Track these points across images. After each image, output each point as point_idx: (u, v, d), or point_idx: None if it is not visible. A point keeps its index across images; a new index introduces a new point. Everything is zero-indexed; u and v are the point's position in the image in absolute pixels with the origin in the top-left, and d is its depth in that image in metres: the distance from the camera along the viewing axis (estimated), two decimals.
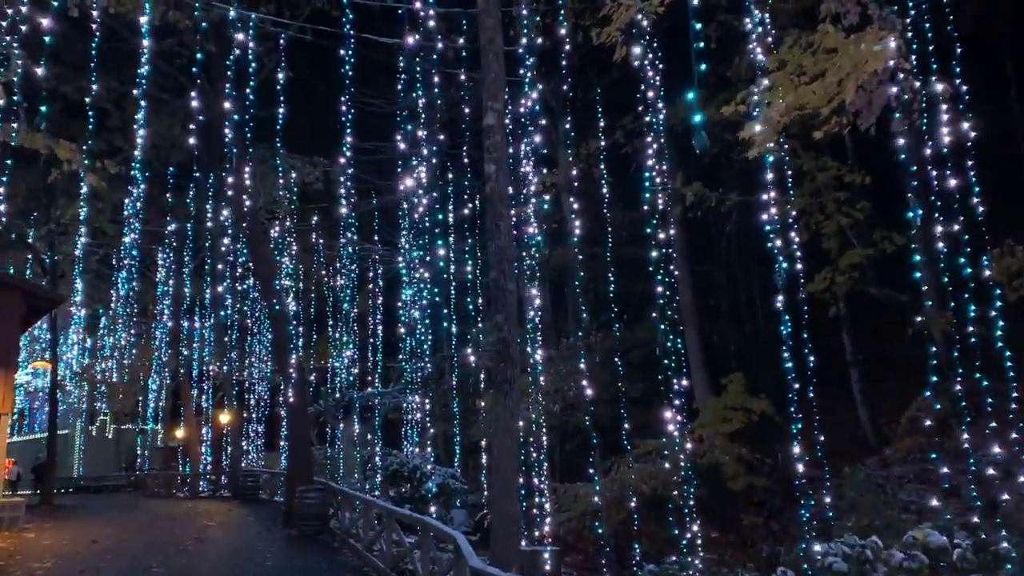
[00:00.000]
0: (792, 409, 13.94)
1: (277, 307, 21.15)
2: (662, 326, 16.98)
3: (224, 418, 35.20)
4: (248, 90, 20.05)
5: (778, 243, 13.55)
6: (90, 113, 18.37)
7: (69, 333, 35.75)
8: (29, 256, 28.82)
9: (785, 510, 23.37)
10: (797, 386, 13.78)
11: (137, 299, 34.27)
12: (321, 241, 31.34)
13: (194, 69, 20.33)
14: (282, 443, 34.29)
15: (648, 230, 27.51)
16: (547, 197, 23.87)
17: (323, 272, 32.23)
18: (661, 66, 17.26)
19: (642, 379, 25.13)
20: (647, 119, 13.91)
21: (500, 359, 10.31)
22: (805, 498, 16.04)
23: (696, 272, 27.06)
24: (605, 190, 21.59)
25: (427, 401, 25.25)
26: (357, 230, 29.46)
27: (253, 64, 20.06)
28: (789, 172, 20.55)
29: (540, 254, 25.93)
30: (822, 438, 16.28)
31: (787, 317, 13.37)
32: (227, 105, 19.10)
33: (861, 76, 8.57)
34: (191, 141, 22.63)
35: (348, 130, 16.59)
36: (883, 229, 19.70)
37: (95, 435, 48.04)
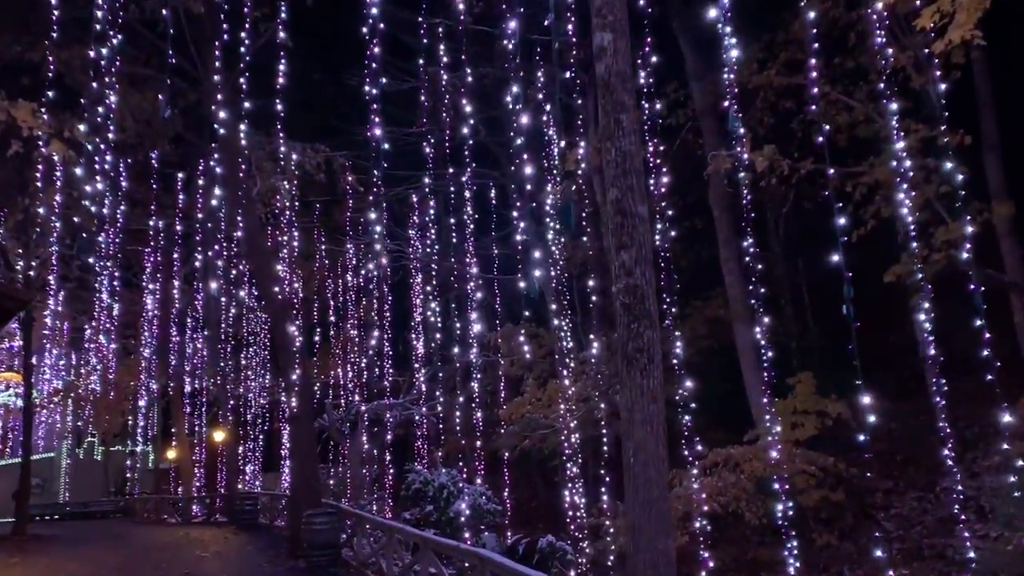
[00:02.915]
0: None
1: (278, 296, 18.31)
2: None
3: (219, 436, 32.37)
4: (243, 55, 17.45)
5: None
6: (51, 77, 15.72)
7: (47, 348, 32.84)
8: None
9: (858, 529, 20.65)
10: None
11: (123, 307, 31.46)
12: (323, 238, 28.56)
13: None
14: (283, 462, 31.56)
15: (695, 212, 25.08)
16: (575, 177, 21.24)
17: (326, 272, 29.45)
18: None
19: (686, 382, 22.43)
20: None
21: (631, 316, 6.79)
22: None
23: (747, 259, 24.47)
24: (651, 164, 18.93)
25: (455, 409, 22.43)
26: (365, 227, 26.88)
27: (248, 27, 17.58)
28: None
29: (565, 245, 23.29)
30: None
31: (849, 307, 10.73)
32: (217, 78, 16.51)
33: None
34: (177, 121, 20.03)
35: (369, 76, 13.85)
36: (979, 200, 16.99)
37: (82, 457, 45.18)
